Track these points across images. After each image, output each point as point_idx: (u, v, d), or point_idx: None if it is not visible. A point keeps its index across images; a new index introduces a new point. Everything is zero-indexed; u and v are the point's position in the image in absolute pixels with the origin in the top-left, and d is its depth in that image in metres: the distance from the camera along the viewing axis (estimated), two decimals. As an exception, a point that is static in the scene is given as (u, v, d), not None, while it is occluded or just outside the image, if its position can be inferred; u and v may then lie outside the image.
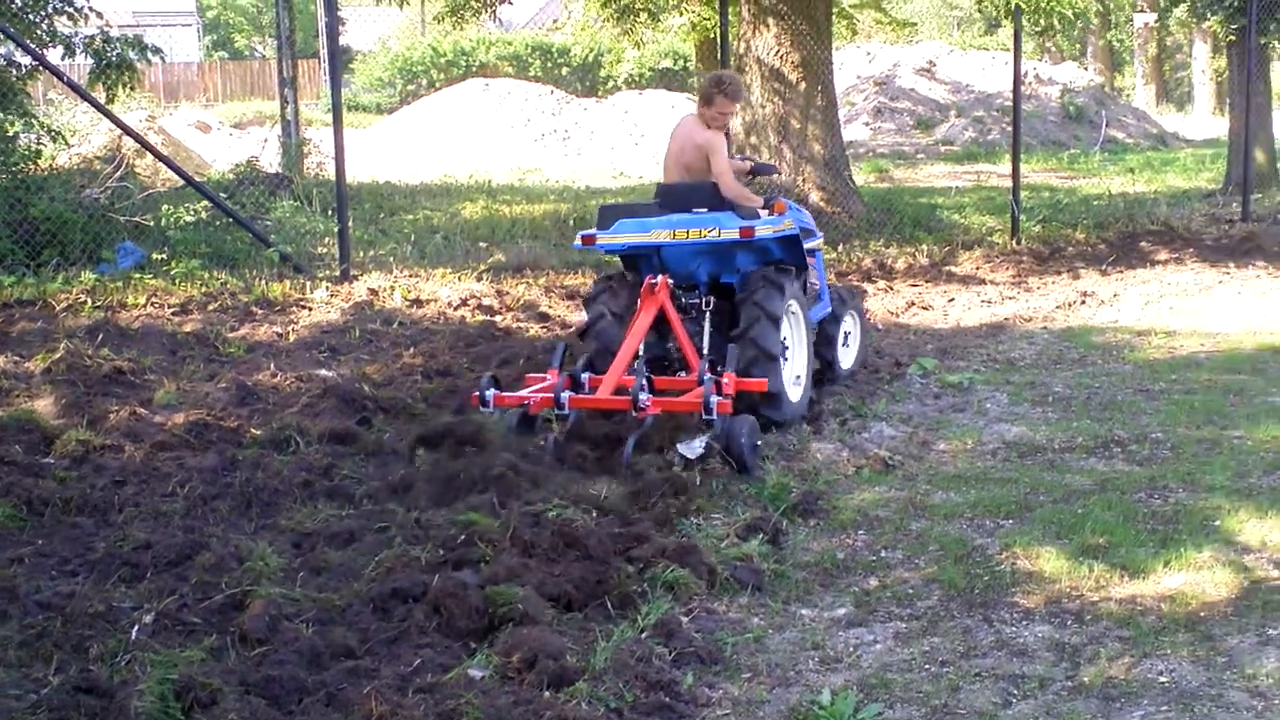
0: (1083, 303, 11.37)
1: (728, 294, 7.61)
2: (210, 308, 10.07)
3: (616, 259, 8.40)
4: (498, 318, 10.31)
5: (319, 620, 4.57)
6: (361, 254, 12.32)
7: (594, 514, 5.53)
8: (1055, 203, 17.08)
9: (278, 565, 5.03)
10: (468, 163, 22.02)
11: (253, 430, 6.96)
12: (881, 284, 12.35)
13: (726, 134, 8.13)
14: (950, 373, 8.67)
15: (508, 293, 11.08)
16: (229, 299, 10.30)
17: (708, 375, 6.77)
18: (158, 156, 12.32)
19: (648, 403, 6.57)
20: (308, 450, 6.60)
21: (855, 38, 29.84)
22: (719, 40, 13.89)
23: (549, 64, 40.42)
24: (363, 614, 4.65)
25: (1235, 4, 17.60)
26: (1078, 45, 51.82)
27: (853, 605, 4.95)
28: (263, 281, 10.81)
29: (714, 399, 6.52)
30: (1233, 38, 18.48)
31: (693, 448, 6.54)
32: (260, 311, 10.13)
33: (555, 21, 29.29)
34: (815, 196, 15.07)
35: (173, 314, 9.82)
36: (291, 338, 9.41)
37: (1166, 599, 4.85)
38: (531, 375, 7.40)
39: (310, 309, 10.30)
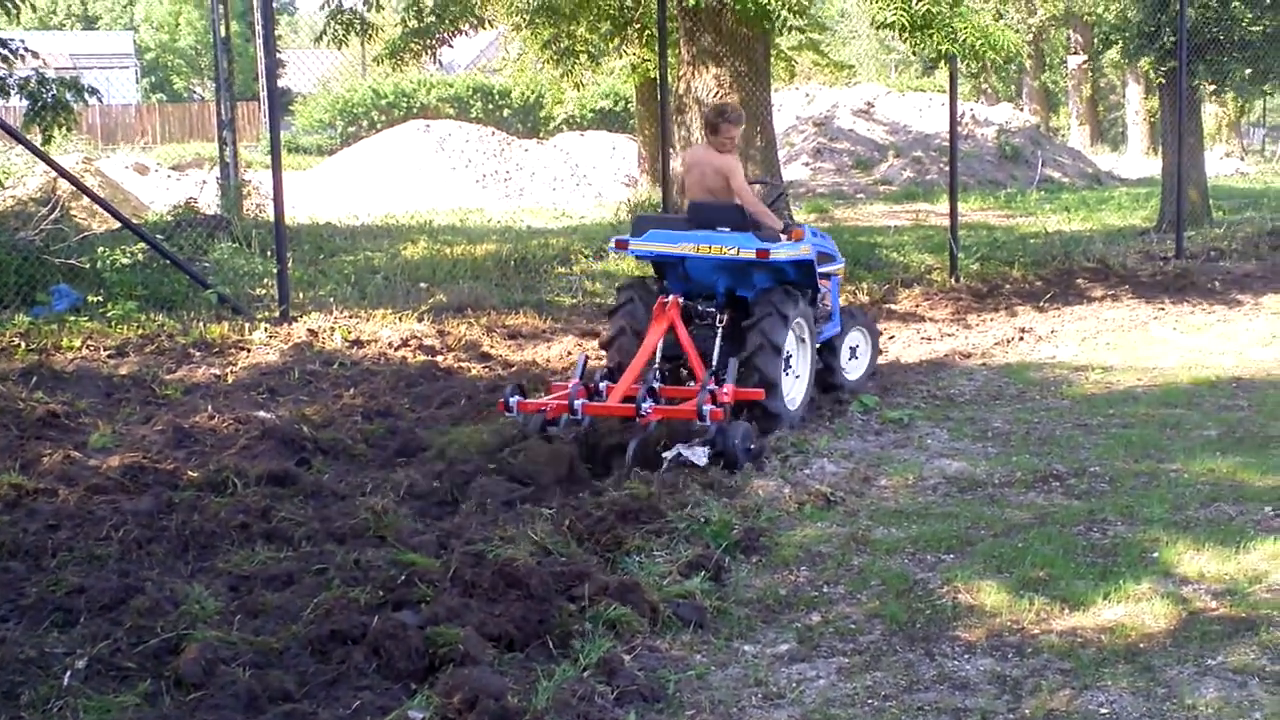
0: (1021, 339, 11.47)
1: (743, 305, 8.33)
2: (147, 350, 9.94)
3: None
4: (439, 358, 10.25)
5: (256, 664, 4.50)
6: (301, 295, 12.23)
7: (536, 552, 5.50)
8: (993, 241, 17.27)
9: (214, 608, 4.95)
10: (409, 204, 21.99)
11: (189, 473, 6.86)
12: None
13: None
14: (891, 409, 8.71)
15: (449, 333, 11.04)
16: (166, 341, 10.18)
17: (710, 385, 7.52)
18: (93, 199, 12.20)
19: (649, 410, 7.22)
20: (245, 492, 6.51)
21: (794, 79, 30.14)
22: (659, 82, 13.96)
23: (490, 105, 40.57)
24: (301, 656, 4.58)
25: (1166, 46, 17.91)
26: (1013, 86, 52.56)
27: (795, 641, 4.95)
28: (201, 323, 10.70)
29: (707, 408, 7.19)
30: (1164, 79, 18.80)
31: (696, 454, 7.08)
32: (198, 353, 10.02)
33: (500, 59, 29.34)
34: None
35: (108, 356, 9.69)
36: (230, 379, 9.31)
37: (1106, 631, 4.88)
38: (556, 384, 7.99)
39: (249, 350, 10.20)
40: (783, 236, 8.31)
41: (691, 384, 7.98)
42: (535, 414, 7.50)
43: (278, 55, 14.60)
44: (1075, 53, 46.33)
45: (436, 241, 16.83)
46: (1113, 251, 16.43)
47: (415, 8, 15.57)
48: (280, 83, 23.10)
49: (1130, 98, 40.95)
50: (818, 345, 8.76)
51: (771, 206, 8.88)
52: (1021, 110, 39.75)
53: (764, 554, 5.91)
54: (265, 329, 10.73)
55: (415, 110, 38.34)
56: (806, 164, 28.75)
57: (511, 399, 7.51)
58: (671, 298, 8.04)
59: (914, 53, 23.96)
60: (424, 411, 8.53)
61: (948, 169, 16.22)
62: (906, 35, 12.59)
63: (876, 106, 31.38)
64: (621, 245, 8.62)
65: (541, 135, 34.13)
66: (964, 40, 12.12)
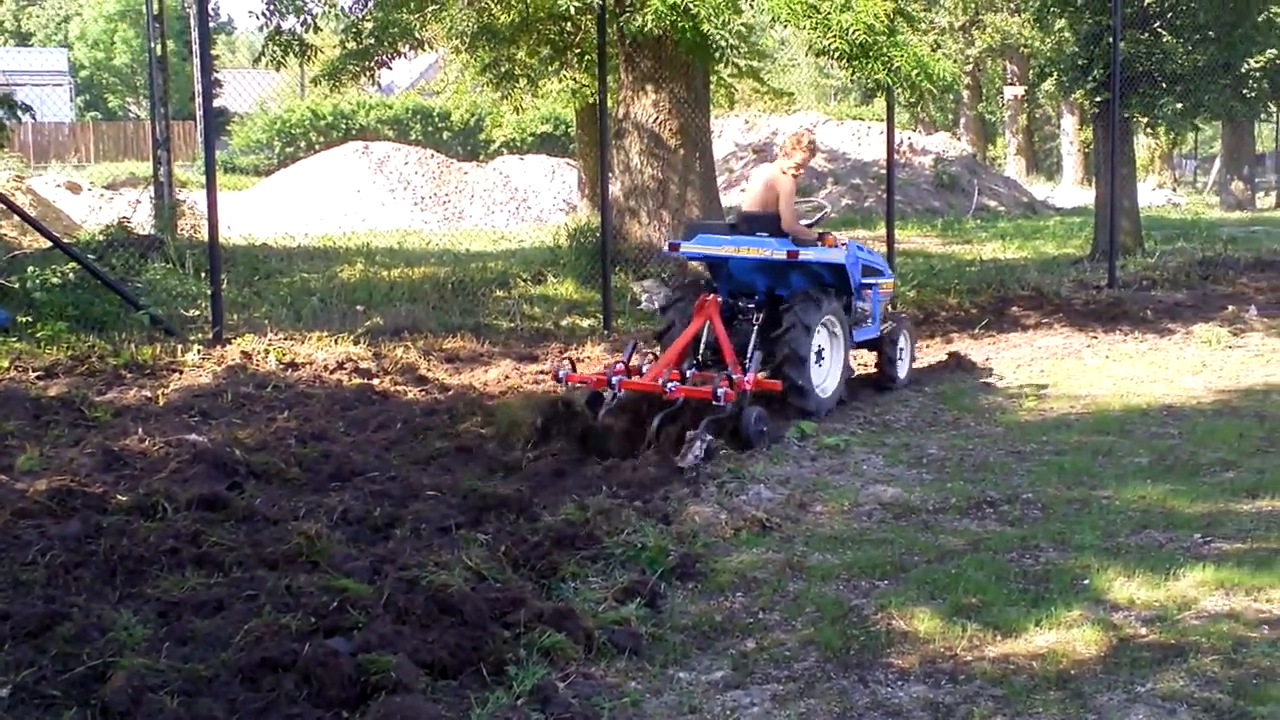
0: (957, 366, 11.56)
1: (780, 304, 9.53)
2: (77, 371, 9.80)
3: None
4: (375, 381, 10.18)
5: (185, 691, 4.42)
6: (235, 317, 12.12)
7: (471, 578, 5.46)
8: (929, 268, 17.44)
9: (142, 635, 4.87)
10: (346, 225, 21.86)
11: (119, 497, 6.75)
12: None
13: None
14: (827, 435, 8.74)
15: (385, 356, 10.96)
16: (97, 362, 10.03)
17: (734, 373, 8.63)
18: (23, 217, 12.05)
19: (674, 389, 8.40)
20: (176, 517, 6.41)
21: (734, 106, 30.31)
22: (598, 107, 13.99)
23: (430, 128, 40.48)
24: (230, 684, 4.51)
25: (1099, 79, 18.19)
26: (950, 116, 53.14)
27: (730, 668, 4.94)
28: (132, 345, 10.55)
29: (722, 390, 8.28)
30: (1097, 111, 19.09)
31: (688, 459, 7.80)
32: (129, 375, 9.88)
33: (440, 81, 29.26)
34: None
35: (37, 378, 9.54)
36: (161, 402, 9.19)
37: (1038, 657, 4.91)
38: (607, 364, 9.23)
39: (181, 373, 10.07)
40: (818, 243, 9.71)
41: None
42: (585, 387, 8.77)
43: (214, 75, 14.46)
44: (1012, 84, 46.95)
45: (374, 264, 16.75)
46: (1047, 280, 16.65)
47: (354, 30, 15.49)
48: (217, 102, 22.90)
49: (1065, 129, 41.55)
50: (857, 343, 10.26)
51: (815, 224, 10.28)
52: (959, 139, 40.23)
53: (700, 580, 5.91)
54: (198, 351, 10.60)
55: (354, 131, 38.19)
56: (745, 190, 28.92)
57: (561, 372, 8.86)
58: (711, 296, 9.30)
59: (852, 81, 24.17)
60: (359, 435, 8.47)
61: (885, 197, 16.36)
62: (844, 63, 12.70)
63: (815, 134, 31.61)
64: (674, 248, 10.03)
65: (481, 158, 34.09)
66: (901, 70, 12.23)
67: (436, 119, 40.87)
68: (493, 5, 16.22)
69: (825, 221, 11.08)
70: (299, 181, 27.14)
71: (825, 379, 9.62)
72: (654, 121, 15.16)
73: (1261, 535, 6.42)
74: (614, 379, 8.63)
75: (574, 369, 8.99)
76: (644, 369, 8.97)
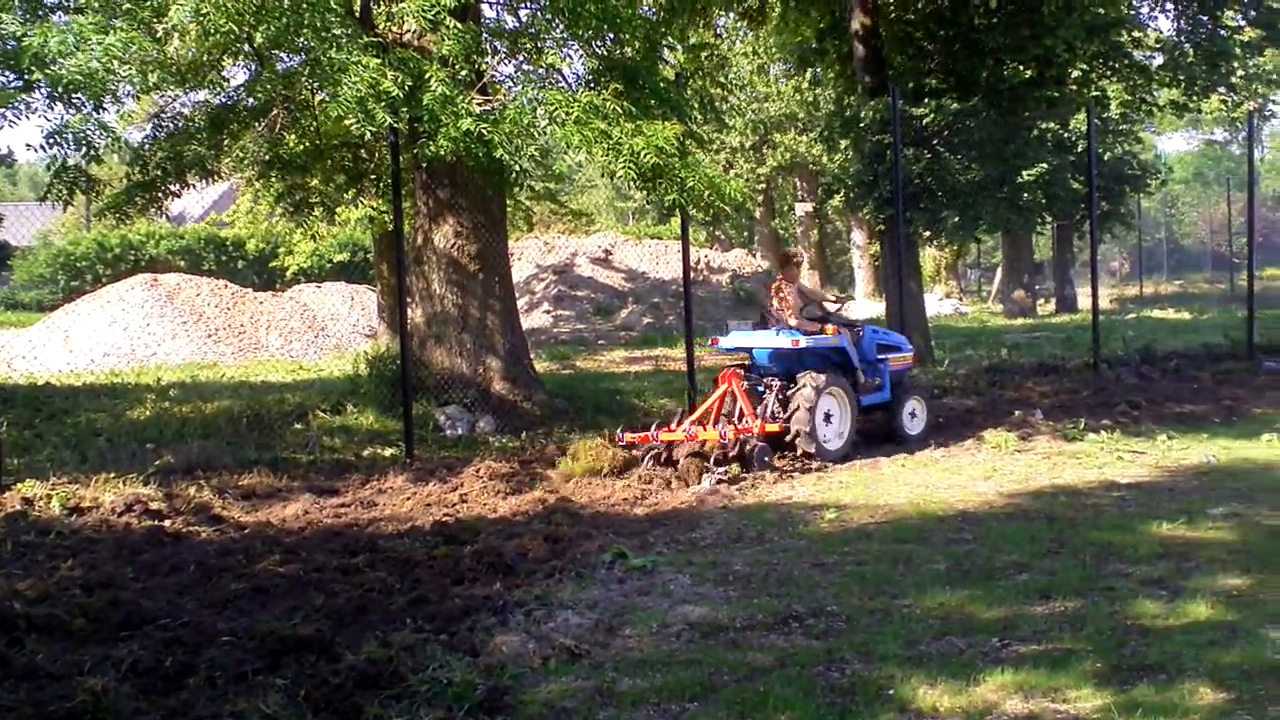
0: (760, 480, 11.68)
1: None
2: None
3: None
4: (166, 522, 9.81)
5: None
6: (16, 461, 11.58)
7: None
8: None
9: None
10: (136, 360, 21.21)
11: (-117, 660, 6.32)
12: (566, 469, 12.39)
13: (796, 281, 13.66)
14: (636, 556, 8.71)
15: (178, 496, 10.59)
16: None
17: (742, 423, 12.18)
18: None
19: (693, 433, 12.03)
20: (-52, 679, 6.03)
21: (533, 228, 30.60)
22: (394, 233, 13.92)
23: (224, 257, 39.80)
24: None
25: (884, 195, 18.88)
26: (746, 233, 54.56)
27: (541, 805, 4.81)
28: (-97, 495, 10.00)
29: (729, 431, 11.88)
30: (884, 226, 19.79)
31: (704, 485, 11.21)
32: (-101, 528, 9.33)
33: (232, 211, 28.82)
34: (497, 386, 15.14)
35: None
36: (-66, 554, 8.69)
37: (848, 773, 4.90)
38: (662, 424, 12.58)
39: (-43, 522, 9.56)
40: (822, 333, 13.04)
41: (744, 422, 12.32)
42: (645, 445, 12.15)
43: (-8, 210, 13.99)
44: (803, 200, 48.46)
45: (165, 400, 16.24)
46: (843, 391, 16.99)
47: (140, 161, 15.16)
48: (-3, 237, 22.08)
49: (856, 242, 43.00)
50: (873, 406, 13.42)
51: (834, 315, 13.60)
52: (755, 256, 41.24)
53: (508, 713, 5.77)
54: (-25, 499, 10.09)
55: (144, 263, 37.30)
56: (548, 311, 29.07)
57: (622, 435, 12.22)
58: (731, 369, 12.88)
59: (649, 201, 24.62)
60: (149, 581, 8.12)
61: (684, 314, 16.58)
62: (638, 186, 12.93)
63: (615, 254, 32.09)
64: (714, 342, 13.51)
65: (278, 287, 33.59)
66: (694, 190, 12.50)
67: (230, 248, 40.21)
68: (285, 134, 16.08)
69: (842, 307, 14.17)
70: (85, 316, 26.23)
71: (834, 436, 12.61)
72: (452, 247, 15.15)
73: (1056, 636, 6.59)
74: (657, 434, 12.13)
75: (632, 430, 12.50)
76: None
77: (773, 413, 12.50)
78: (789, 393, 12.50)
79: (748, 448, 12.02)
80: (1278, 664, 5.99)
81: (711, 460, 11.66)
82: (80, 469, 11.48)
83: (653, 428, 12.33)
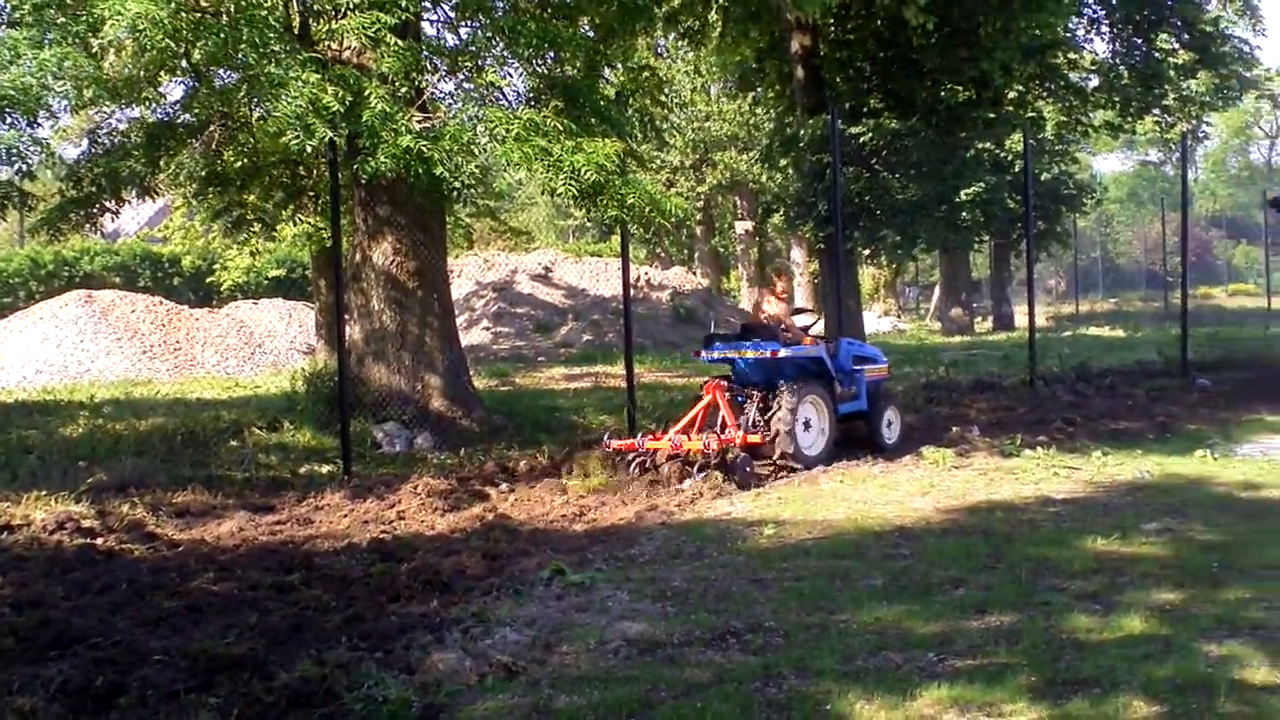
0: (699, 496, 11.69)
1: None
2: None
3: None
4: (98, 540, 9.67)
5: None
6: (-56, 479, 11.40)
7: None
8: (670, 401, 17.69)
9: None
10: (69, 377, 20.94)
11: None
12: (504, 487, 12.37)
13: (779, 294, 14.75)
14: (574, 573, 8.69)
15: (110, 513, 10.45)
16: None
17: (724, 432, 12.61)
18: None
19: (678, 442, 12.43)
20: None
21: (473, 246, 30.52)
22: (333, 250, 13.85)
23: (159, 273, 39.40)
24: None
25: (823, 214, 19.02)
26: (686, 251, 54.69)
27: (476, 823, 4.78)
28: None
29: (712, 441, 12.19)
30: (823, 244, 19.93)
31: (688, 483, 11.90)
32: None
33: (165, 226, 28.54)
34: (436, 403, 15.08)
35: None
36: None
37: (784, 788, 4.91)
38: (648, 433, 13.31)
39: (-118, 542, 9.38)
40: (801, 343, 13.64)
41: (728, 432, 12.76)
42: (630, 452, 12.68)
43: (-78, 224, 13.78)
44: (742, 218, 48.67)
45: (98, 417, 16.04)
46: (782, 408, 17.05)
47: (74, 177, 14.99)
48: (-73, 252, 21.72)
49: (796, 259, 43.21)
50: (850, 414, 14.06)
51: (812, 326, 14.54)
52: (695, 273, 41.37)
53: (444, 732, 5.74)
54: (-99, 518, 9.91)
55: (78, 279, 36.84)
56: (488, 328, 29.00)
57: (610, 440, 12.83)
58: (716, 380, 13.35)
59: (589, 218, 24.68)
60: (80, 599, 8.00)
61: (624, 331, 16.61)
62: (578, 202, 12.95)
63: (555, 271, 32.06)
64: (697, 354, 14.21)
65: (214, 303, 33.30)
66: (634, 206, 12.53)
67: (166, 264, 39.82)
68: (223, 151, 15.97)
69: (815, 326, 14.90)
70: (17, 333, 25.89)
71: (813, 442, 13.25)
72: (391, 264, 15.10)
73: (992, 650, 6.63)
74: (641, 442, 12.68)
75: (619, 437, 13.12)
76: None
77: (753, 423, 13.07)
78: (769, 401, 13.14)
79: (729, 456, 12.35)
80: (1210, 677, 6.06)
81: (695, 467, 12.19)
82: (10, 486, 11.32)
83: (639, 436, 13.01)
